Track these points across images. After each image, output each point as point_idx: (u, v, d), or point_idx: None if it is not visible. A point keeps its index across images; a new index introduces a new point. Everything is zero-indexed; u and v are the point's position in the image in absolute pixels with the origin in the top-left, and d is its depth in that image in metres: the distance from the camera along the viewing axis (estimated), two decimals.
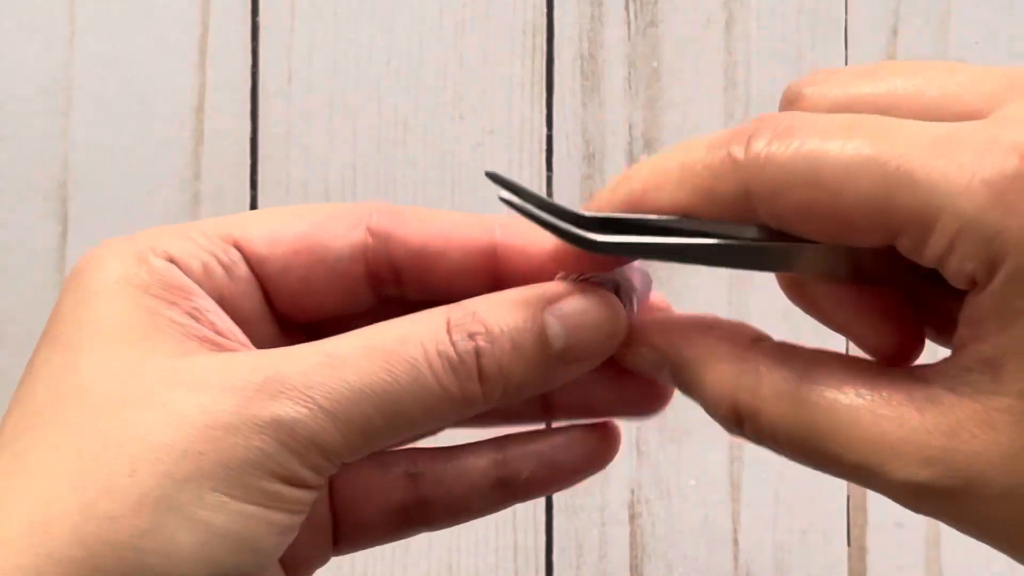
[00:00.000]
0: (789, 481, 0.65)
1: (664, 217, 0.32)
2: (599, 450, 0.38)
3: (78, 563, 0.30)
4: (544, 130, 0.66)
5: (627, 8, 0.67)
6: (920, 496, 0.30)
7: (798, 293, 0.34)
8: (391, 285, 0.36)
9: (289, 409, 0.31)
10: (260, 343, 0.35)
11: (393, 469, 0.37)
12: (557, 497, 0.65)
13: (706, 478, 0.66)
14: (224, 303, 0.34)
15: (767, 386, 0.31)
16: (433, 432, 0.34)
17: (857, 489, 0.65)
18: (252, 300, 0.35)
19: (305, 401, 0.31)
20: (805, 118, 0.31)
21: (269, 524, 0.31)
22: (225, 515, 0.30)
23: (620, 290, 0.35)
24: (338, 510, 0.37)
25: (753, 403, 0.32)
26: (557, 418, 0.38)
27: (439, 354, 0.32)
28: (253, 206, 0.65)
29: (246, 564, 0.31)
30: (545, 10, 0.66)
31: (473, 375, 0.33)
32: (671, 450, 0.66)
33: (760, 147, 0.30)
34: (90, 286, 0.33)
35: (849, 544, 0.66)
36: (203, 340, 0.33)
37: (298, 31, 0.66)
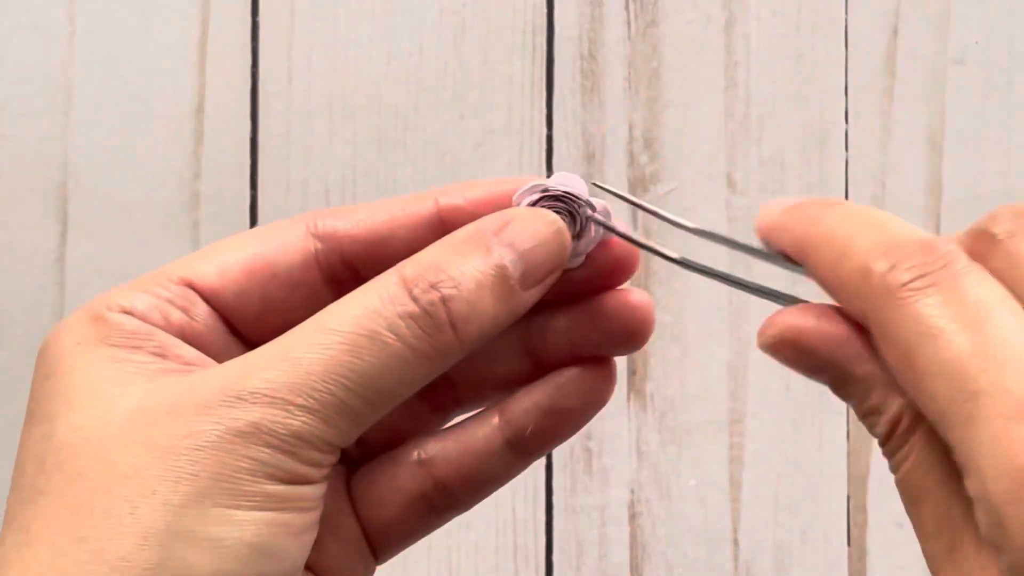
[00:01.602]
0: (789, 481, 0.65)
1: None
2: (596, 386, 0.37)
3: None
4: (544, 130, 0.66)
5: (627, 8, 0.67)
6: None
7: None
8: (350, 284, 0.36)
9: (264, 413, 0.31)
10: None
11: (403, 461, 0.37)
12: (557, 497, 0.65)
13: (706, 478, 0.66)
14: (188, 342, 0.35)
15: None
16: (419, 388, 0.34)
17: (857, 489, 0.65)
18: (216, 333, 0.35)
19: (276, 403, 0.31)
20: (959, 280, 0.29)
21: (282, 526, 0.31)
22: (233, 527, 0.31)
23: (576, 217, 0.35)
24: (363, 517, 0.37)
25: None
26: (548, 371, 0.38)
27: (400, 316, 0.32)
28: (253, 206, 0.65)
29: (269, 572, 0.31)
30: (545, 10, 0.66)
31: (444, 325, 0.32)
32: (671, 450, 0.66)
33: (911, 287, 0.29)
34: (53, 357, 0.34)
35: (849, 544, 0.66)
36: (175, 373, 0.33)
37: (298, 31, 0.66)
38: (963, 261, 0.30)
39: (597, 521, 0.65)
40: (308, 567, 0.37)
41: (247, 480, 0.31)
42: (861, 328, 0.31)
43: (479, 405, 0.38)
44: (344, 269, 0.36)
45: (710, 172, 0.66)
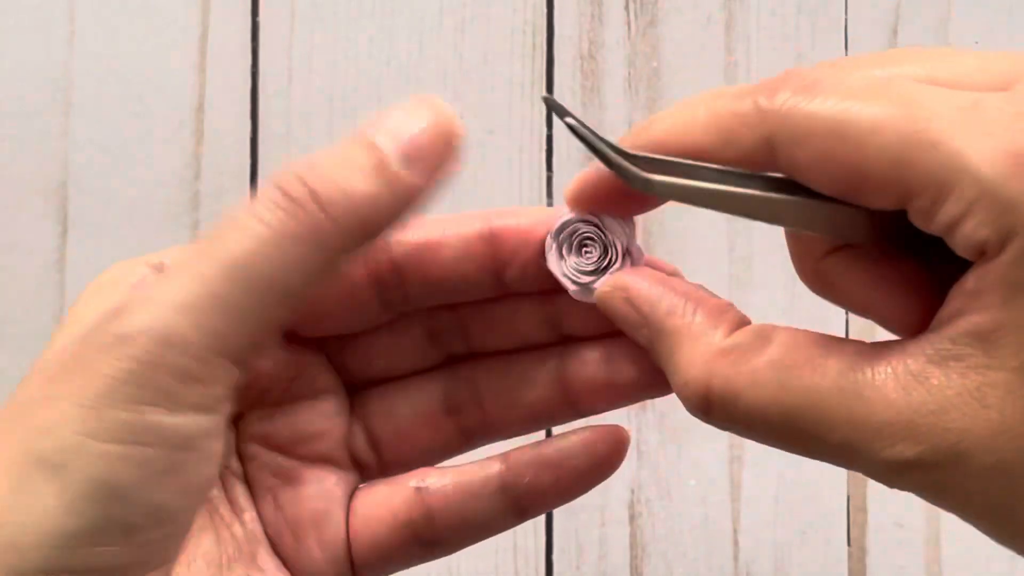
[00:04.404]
0: (789, 481, 0.65)
1: (687, 161, 0.32)
2: (604, 453, 0.37)
3: None
4: (544, 130, 0.66)
5: (627, 8, 0.67)
6: (904, 472, 0.30)
7: (819, 280, 0.34)
8: (394, 289, 0.36)
9: (129, 319, 0.29)
10: (273, 362, 0.35)
11: (402, 483, 0.37)
12: None
13: (706, 478, 0.66)
14: None
15: (747, 373, 0.31)
16: (315, 278, 0.31)
17: (857, 489, 0.65)
18: None
19: (143, 304, 0.29)
20: (832, 76, 0.31)
21: (137, 464, 0.29)
22: (84, 459, 0.29)
23: (609, 251, 0.35)
24: (352, 530, 0.37)
25: (729, 389, 0.31)
26: (584, 411, 0.38)
27: (267, 206, 0.30)
28: None
29: (119, 513, 0.29)
30: (545, 10, 0.66)
31: (306, 200, 0.30)
32: (671, 450, 0.66)
33: (786, 97, 0.31)
34: (85, 291, 0.34)
35: (849, 544, 0.66)
36: None
37: (298, 31, 0.66)
38: (804, 69, 0.31)
39: (597, 521, 0.65)
40: (285, 563, 0.37)
41: (107, 403, 0.29)
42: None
43: (511, 435, 0.38)
44: (390, 270, 0.36)
45: None
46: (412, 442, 0.38)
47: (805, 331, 0.32)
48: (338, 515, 0.37)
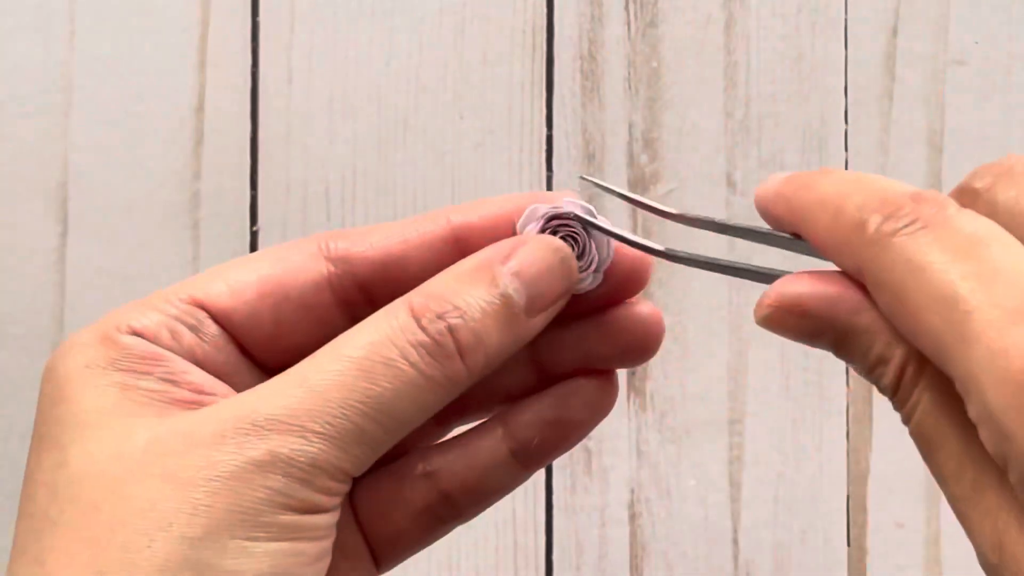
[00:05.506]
0: (789, 481, 0.65)
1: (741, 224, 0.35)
2: (600, 397, 0.37)
3: None
4: (544, 130, 0.66)
5: (627, 8, 0.67)
6: None
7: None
8: (362, 307, 0.36)
9: (282, 443, 0.31)
10: None
11: (408, 475, 0.37)
12: (557, 497, 0.65)
13: (706, 478, 0.66)
14: (199, 363, 0.34)
15: None
16: (430, 415, 0.34)
17: (857, 489, 0.65)
18: (227, 354, 0.35)
19: (294, 431, 0.31)
20: (950, 220, 0.30)
21: (298, 555, 0.31)
22: (251, 558, 0.31)
23: (579, 239, 0.36)
24: (368, 532, 0.37)
25: None
26: (553, 382, 0.38)
27: (412, 345, 0.32)
28: (253, 206, 0.65)
29: None
30: (545, 10, 0.66)
31: (453, 353, 0.33)
32: (671, 450, 0.66)
33: (894, 227, 0.30)
34: (61, 379, 0.33)
35: (849, 544, 0.66)
36: (184, 402, 0.33)
37: (298, 31, 0.66)
38: (954, 206, 0.30)
39: (597, 521, 0.65)
40: None
41: (263, 510, 0.31)
42: (857, 282, 0.32)
43: (482, 416, 0.38)
44: (357, 292, 0.36)
45: (710, 172, 0.66)
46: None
47: None
48: (349, 522, 0.37)
